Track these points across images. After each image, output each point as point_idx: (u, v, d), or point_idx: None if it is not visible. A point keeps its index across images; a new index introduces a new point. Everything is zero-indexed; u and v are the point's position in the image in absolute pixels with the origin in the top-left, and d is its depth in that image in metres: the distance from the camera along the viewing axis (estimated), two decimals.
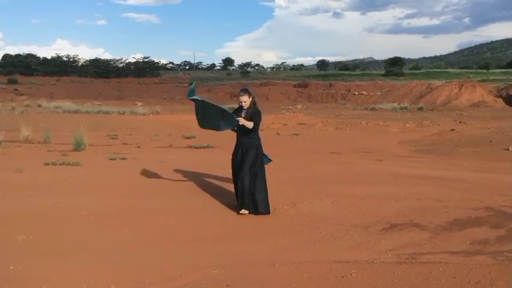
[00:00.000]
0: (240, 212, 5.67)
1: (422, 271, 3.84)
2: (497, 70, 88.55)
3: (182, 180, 7.51)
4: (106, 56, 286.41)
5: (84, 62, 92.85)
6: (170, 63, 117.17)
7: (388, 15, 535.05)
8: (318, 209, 5.90)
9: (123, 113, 28.23)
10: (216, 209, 5.93)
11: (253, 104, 5.81)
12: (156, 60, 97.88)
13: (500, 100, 45.36)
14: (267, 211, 5.67)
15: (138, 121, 21.12)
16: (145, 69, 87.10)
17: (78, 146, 11.16)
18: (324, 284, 3.63)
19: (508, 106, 41.56)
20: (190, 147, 12.68)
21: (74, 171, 8.10)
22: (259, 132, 5.98)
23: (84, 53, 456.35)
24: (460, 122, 22.73)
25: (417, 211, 5.84)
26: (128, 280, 3.66)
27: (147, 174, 7.92)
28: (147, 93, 60.61)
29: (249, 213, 5.65)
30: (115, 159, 9.70)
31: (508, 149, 12.22)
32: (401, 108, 38.95)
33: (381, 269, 3.89)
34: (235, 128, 5.86)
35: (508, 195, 6.69)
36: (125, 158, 9.81)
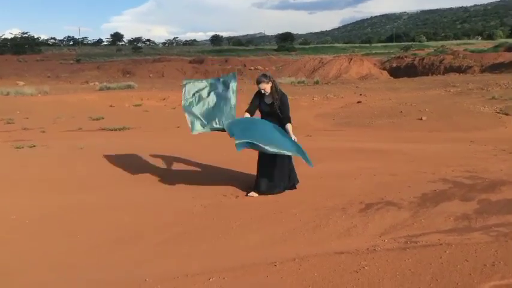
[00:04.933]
0: (249, 194, 5.48)
1: (432, 256, 3.59)
2: (379, 44, 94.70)
3: (115, 169, 6.63)
4: None
5: None
6: (52, 38, 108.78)
7: None
8: (284, 194, 5.48)
9: (7, 94, 25.27)
10: (169, 201, 5.25)
11: (274, 88, 5.51)
12: (35, 36, 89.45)
13: (385, 72, 48.42)
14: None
15: (30, 102, 18.92)
16: (25, 46, 79.13)
17: None
18: (341, 282, 3.22)
19: (392, 78, 44.59)
20: (104, 129, 11.50)
21: None
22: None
23: None
24: (361, 95, 23.60)
25: (381, 187, 5.67)
26: None
27: (71, 163, 6.90)
28: (28, 72, 55.22)
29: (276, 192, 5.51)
30: (22, 147, 8.38)
31: (421, 119, 12.81)
32: (298, 82, 39.73)
33: (389, 258, 3.57)
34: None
35: (452, 165, 6.82)
36: (34, 146, 8.51)
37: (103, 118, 13.81)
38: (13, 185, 5.79)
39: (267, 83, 5.47)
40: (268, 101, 5.56)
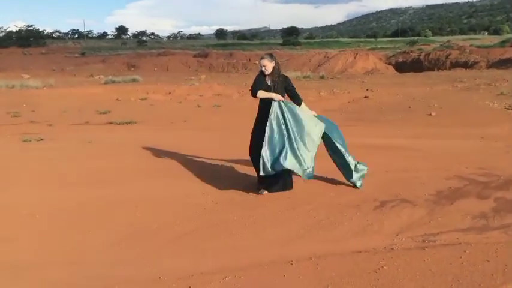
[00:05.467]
0: (260, 192, 5.30)
1: (451, 256, 3.51)
2: (384, 39, 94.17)
3: (124, 164, 6.56)
4: None
5: None
6: (57, 31, 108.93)
7: None
8: (296, 190, 5.39)
9: (13, 87, 25.27)
10: (179, 196, 5.17)
11: (277, 69, 5.32)
12: (40, 29, 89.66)
13: (391, 67, 48.17)
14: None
15: (36, 96, 18.88)
16: (29, 39, 79.21)
17: None
18: (361, 282, 3.15)
19: (398, 72, 44.33)
20: (111, 123, 11.44)
21: None
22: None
23: None
24: (367, 89, 23.47)
25: (394, 184, 5.58)
26: None
27: (80, 158, 6.84)
28: (33, 65, 55.31)
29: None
30: (30, 140, 8.34)
31: (430, 114, 12.68)
32: (304, 77, 39.53)
33: (408, 258, 3.49)
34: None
35: (466, 161, 6.71)
36: (41, 139, 8.48)
37: (109, 112, 13.75)
38: (22, 179, 5.73)
39: (270, 61, 5.26)
40: (269, 82, 5.37)
